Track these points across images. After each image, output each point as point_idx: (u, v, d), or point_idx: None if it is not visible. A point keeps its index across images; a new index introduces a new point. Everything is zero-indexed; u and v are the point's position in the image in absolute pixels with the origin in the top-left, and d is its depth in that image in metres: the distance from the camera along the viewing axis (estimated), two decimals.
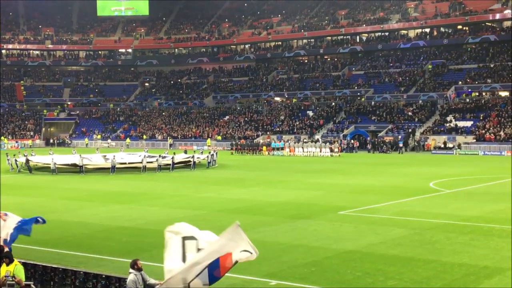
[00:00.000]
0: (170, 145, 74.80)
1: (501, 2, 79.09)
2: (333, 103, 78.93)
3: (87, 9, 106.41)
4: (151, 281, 9.83)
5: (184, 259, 9.19)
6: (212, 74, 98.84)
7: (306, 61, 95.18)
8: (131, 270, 9.98)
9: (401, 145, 63.49)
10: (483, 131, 63.01)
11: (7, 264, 10.26)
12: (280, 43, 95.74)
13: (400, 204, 25.86)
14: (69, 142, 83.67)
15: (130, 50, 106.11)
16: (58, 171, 41.89)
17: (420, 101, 72.91)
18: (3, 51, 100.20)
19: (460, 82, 74.04)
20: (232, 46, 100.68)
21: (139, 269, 9.94)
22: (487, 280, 13.91)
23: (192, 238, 9.34)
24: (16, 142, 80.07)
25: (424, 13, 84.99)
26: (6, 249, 11.16)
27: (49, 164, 42.50)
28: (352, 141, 66.52)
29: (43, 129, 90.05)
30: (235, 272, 14.47)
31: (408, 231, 19.57)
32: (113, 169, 41.76)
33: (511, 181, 32.04)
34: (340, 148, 60.97)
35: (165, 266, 9.33)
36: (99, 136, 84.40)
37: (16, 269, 10.25)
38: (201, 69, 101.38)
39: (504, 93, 70.91)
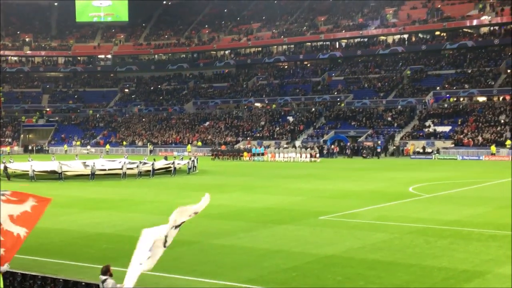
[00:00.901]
0: (150, 151, 74.48)
1: (478, 9, 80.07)
2: (313, 109, 79.26)
3: (65, 15, 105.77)
4: (118, 285, 9.52)
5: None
6: (192, 80, 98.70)
7: (286, 67, 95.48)
8: (105, 277, 9.60)
9: (379, 150, 63.89)
10: (461, 136, 63.65)
11: None
12: (260, 49, 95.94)
13: (380, 208, 25.98)
14: (47, 148, 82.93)
15: (109, 56, 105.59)
16: (36, 178, 41.47)
17: (399, 107, 73.50)
18: None
19: (438, 88, 74.78)
20: (212, 52, 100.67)
21: (111, 275, 9.68)
22: (467, 284, 14.01)
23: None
24: None
25: (402, 20, 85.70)
26: None
27: (28, 171, 42.10)
28: (332, 146, 66.78)
29: (22, 135, 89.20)
30: (214, 278, 14.50)
31: (388, 235, 19.65)
32: (93, 175, 41.49)
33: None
34: (315, 153, 60.53)
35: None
36: (78, 143, 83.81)
37: None
38: (181, 75, 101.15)
39: (481, 98, 71.69)
